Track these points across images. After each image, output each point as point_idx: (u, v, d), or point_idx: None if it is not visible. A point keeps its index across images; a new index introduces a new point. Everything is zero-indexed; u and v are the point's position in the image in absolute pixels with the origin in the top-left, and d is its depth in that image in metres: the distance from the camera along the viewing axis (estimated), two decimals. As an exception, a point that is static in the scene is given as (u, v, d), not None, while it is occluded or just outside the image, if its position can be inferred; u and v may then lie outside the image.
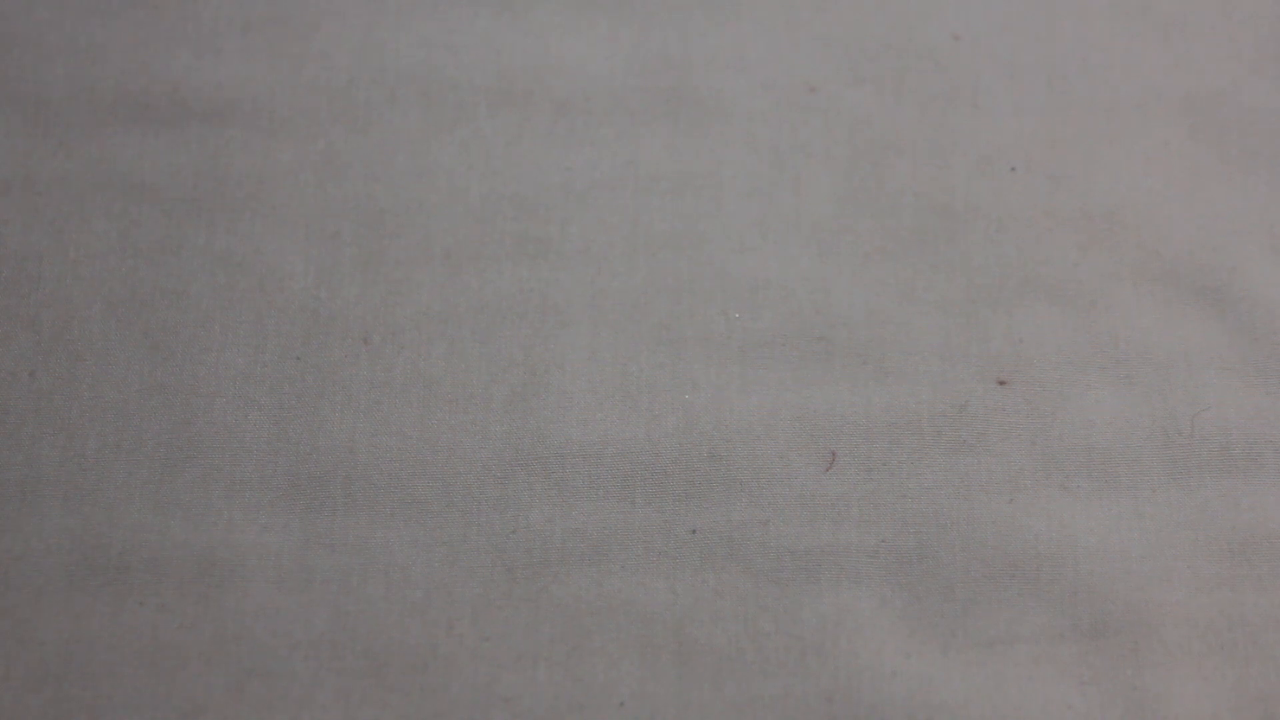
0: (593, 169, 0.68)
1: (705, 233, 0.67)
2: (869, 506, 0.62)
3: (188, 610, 0.60)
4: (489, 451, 0.63)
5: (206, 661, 0.59)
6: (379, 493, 0.62)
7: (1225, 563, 0.62)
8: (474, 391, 0.64)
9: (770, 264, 0.66)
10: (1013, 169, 0.68)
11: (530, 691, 0.59)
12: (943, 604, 0.61)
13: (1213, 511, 0.62)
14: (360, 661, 0.60)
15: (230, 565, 0.61)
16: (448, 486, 0.62)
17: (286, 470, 0.62)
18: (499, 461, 0.63)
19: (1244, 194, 0.68)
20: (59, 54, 0.69)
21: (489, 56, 0.70)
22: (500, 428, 0.63)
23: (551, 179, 0.67)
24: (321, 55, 0.69)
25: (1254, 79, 0.70)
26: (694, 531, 0.62)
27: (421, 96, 0.69)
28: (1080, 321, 0.65)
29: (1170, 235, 0.67)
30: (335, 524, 0.62)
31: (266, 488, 0.62)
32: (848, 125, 0.69)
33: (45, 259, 0.65)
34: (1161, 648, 0.60)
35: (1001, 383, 0.64)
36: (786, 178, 0.68)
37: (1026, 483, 0.63)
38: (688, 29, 0.70)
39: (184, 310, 0.65)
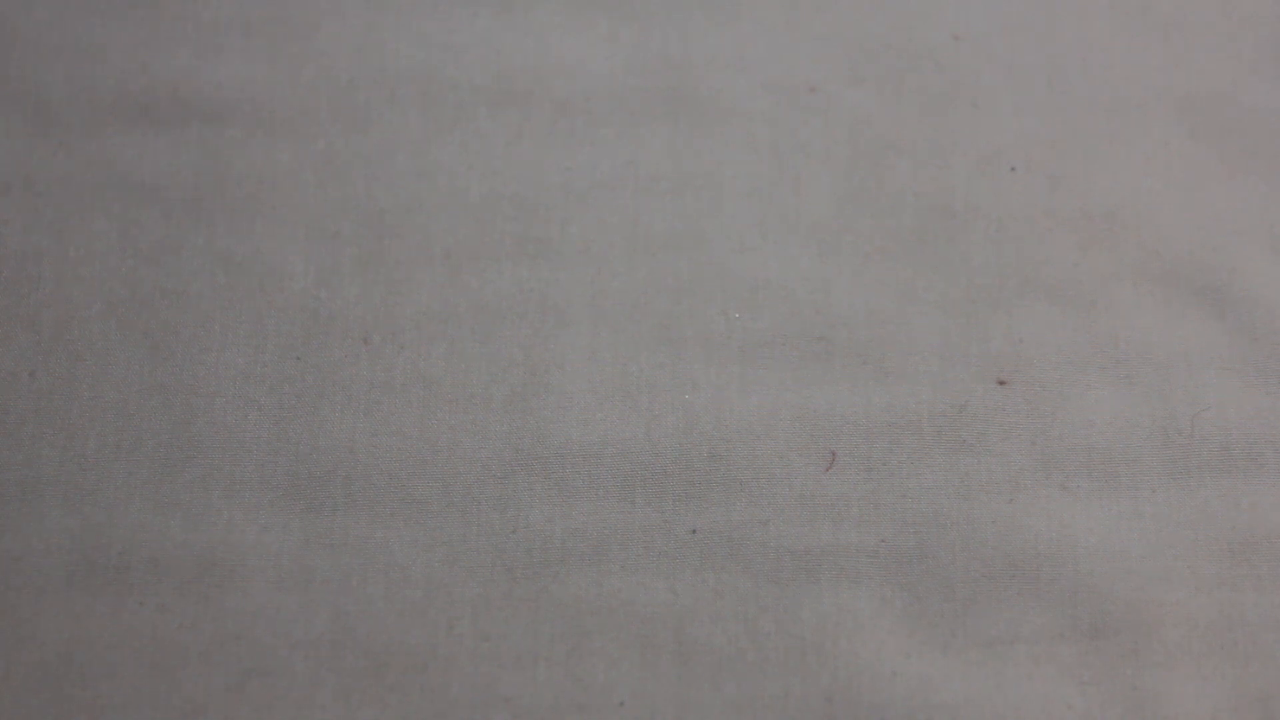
0: (593, 169, 0.68)
1: (705, 233, 0.67)
2: (869, 506, 0.62)
3: (188, 610, 0.60)
4: (489, 451, 0.63)
5: (206, 661, 0.59)
6: (379, 493, 0.62)
7: (1225, 563, 0.62)
8: (474, 391, 0.64)
9: (770, 264, 0.66)
10: (1013, 169, 0.68)
11: (530, 691, 0.59)
12: (943, 604, 0.61)
13: (1213, 511, 0.62)
14: (360, 661, 0.60)
15: (230, 565, 0.61)
16: (448, 486, 0.62)
17: (286, 470, 0.62)
18: (499, 461, 0.63)
19: (1244, 194, 0.68)
20: (59, 54, 0.69)
21: (489, 56, 0.70)
22: (500, 428, 0.63)
23: (551, 179, 0.67)
24: (321, 55, 0.69)
25: (1254, 79, 0.70)
26: (694, 531, 0.62)
27: (421, 96, 0.69)
28: (1080, 321, 0.65)
29: (1170, 235, 0.67)
30: (335, 524, 0.62)
31: (266, 488, 0.62)
32: (848, 125, 0.69)
33: (45, 259, 0.65)
34: (1161, 648, 0.60)
35: (1001, 383, 0.64)
36: (786, 178, 0.68)
37: (1026, 483, 0.63)
38: (688, 29, 0.70)
39: (184, 310, 0.65)
